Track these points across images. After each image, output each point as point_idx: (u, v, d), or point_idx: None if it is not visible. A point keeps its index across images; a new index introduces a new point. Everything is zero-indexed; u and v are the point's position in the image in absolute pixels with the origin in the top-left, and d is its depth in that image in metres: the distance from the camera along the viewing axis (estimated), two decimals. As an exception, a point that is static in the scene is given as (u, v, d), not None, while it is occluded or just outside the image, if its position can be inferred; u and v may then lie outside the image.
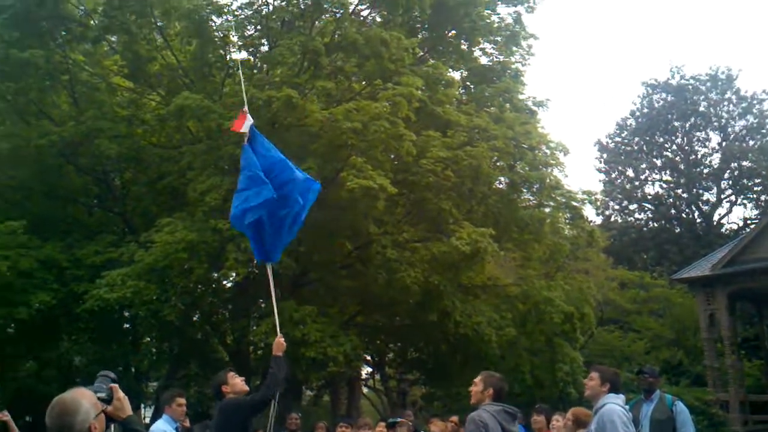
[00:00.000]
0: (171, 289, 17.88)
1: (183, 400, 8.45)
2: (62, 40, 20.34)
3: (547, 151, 22.25)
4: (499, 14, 24.60)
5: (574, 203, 22.27)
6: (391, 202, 18.45)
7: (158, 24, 20.06)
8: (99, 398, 3.32)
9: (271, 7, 20.23)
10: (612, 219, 46.83)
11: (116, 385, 3.60)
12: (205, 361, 23.80)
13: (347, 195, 17.14)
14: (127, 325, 23.04)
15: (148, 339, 24.43)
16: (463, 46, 24.65)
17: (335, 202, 17.72)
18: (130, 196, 21.92)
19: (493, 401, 6.42)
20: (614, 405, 6.77)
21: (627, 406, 7.09)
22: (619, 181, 47.34)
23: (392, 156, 19.53)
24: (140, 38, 19.83)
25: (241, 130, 7.08)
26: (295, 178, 7.13)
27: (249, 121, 7.23)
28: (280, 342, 6.96)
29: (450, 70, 23.79)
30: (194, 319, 21.63)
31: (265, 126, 18.65)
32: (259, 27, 20.47)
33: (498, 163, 21.23)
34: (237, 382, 6.83)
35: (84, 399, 3.16)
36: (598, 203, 28.62)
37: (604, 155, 47.84)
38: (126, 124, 20.50)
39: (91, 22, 20.15)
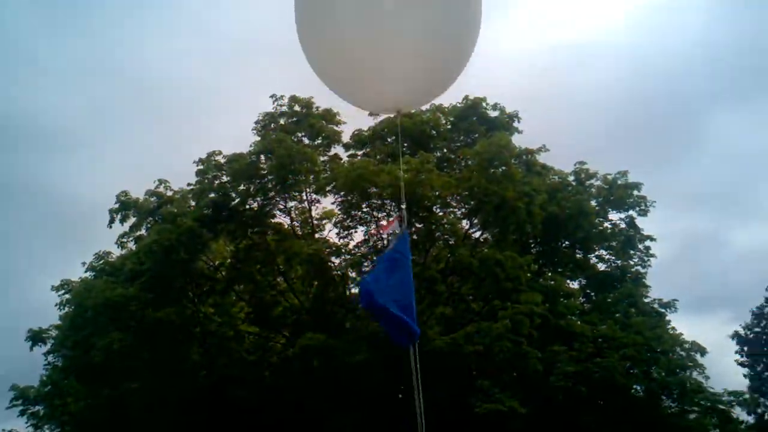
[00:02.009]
0: None
1: None
2: (193, 295, 21.62)
3: (683, 353, 21.24)
4: (611, 221, 24.84)
5: (721, 406, 20.79)
6: (523, 422, 17.72)
7: (281, 269, 21.12)
8: None
9: (385, 241, 21.08)
10: (767, 417, 43.14)
11: None
12: None
13: (476, 421, 16.64)
14: None
15: None
16: (578, 255, 24.70)
17: (465, 428, 17.22)
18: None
19: None
20: None
21: None
22: (766, 374, 44.15)
23: (519, 374, 19.07)
24: (264, 285, 20.90)
25: (387, 232, 6.64)
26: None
27: (397, 227, 6.71)
28: None
29: (568, 280, 23.72)
30: None
31: (389, 357, 18.81)
32: (375, 261, 21.24)
33: (632, 371, 20.37)
34: None
35: None
36: (748, 402, 26.56)
37: (745, 348, 45.13)
38: (254, 369, 21.07)
39: (219, 275, 21.48)
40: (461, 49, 5.55)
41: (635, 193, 24.72)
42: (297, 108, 22.95)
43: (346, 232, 21.43)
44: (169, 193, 22.30)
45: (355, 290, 21.31)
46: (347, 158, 23.40)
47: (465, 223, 22.29)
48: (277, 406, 20.60)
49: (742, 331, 45.77)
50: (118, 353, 19.43)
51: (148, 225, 21.77)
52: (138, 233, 21.90)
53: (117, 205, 21.99)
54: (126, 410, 20.40)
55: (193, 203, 21.92)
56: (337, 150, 23.51)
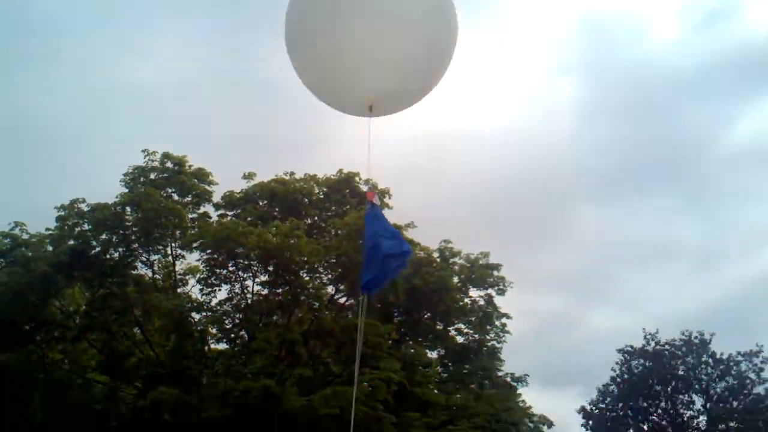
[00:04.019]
0: None
1: None
2: (41, 340, 20.63)
3: (531, 425, 22.04)
4: (471, 297, 25.63)
5: (563, 477, 21.67)
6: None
7: (139, 321, 20.56)
8: None
9: (249, 301, 20.97)
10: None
11: None
12: None
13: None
14: None
15: None
16: (438, 327, 25.29)
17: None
18: None
19: None
20: None
21: None
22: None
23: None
24: (120, 335, 20.27)
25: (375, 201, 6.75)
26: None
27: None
28: None
29: (427, 350, 24.21)
30: None
31: (243, 415, 18.58)
32: (238, 319, 21.02)
33: (482, 441, 20.87)
34: None
35: None
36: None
37: (590, 422, 47.15)
38: (100, 420, 20.15)
39: (72, 323, 20.65)
40: (438, 50, 5.88)
41: (495, 273, 25.69)
42: (169, 164, 22.76)
43: (209, 289, 21.16)
44: (25, 236, 21.46)
45: (214, 346, 21.02)
46: (217, 218, 23.32)
47: (331, 289, 22.51)
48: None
49: (588, 407, 47.93)
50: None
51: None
52: (-13, 274, 20.84)
53: (-34, 244, 20.93)
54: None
55: (50, 248, 21.15)
56: (207, 208, 23.42)
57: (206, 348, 20.82)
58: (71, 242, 20.87)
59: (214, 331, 20.85)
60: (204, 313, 20.76)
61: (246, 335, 21.00)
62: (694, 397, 45.39)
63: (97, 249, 21.02)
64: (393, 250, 6.42)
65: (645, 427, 45.87)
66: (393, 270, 6.55)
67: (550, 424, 22.11)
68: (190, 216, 22.56)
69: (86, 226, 21.24)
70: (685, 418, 45.06)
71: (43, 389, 20.67)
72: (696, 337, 46.14)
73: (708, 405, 44.54)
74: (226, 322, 20.87)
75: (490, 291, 25.80)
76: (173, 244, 22.11)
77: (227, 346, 21.22)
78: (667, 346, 46.51)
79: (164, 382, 18.27)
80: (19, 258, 20.23)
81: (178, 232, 21.69)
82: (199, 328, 20.40)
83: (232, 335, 20.90)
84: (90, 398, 20.96)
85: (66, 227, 21.19)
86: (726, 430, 43.16)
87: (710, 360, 45.45)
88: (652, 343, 46.87)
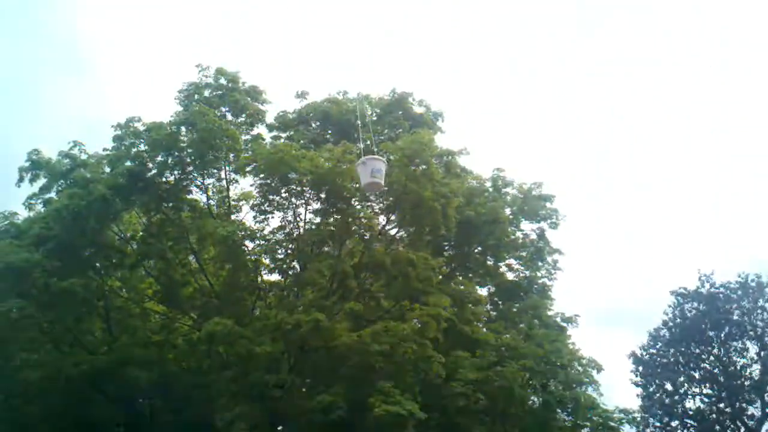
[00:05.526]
0: None
1: None
2: (100, 266, 20.89)
3: (580, 368, 21.78)
4: (523, 231, 25.20)
5: (612, 423, 21.46)
6: (420, 427, 17.81)
7: (193, 248, 20.64)
8: None
9: (301, 230, 20.87)
10: (655, 437, 44.87)
11: None
12: None
13: (373, 422, 16.59)
14: None
15: None
16: (489, 262, 24.98)
17: (363, 428, 17.18)
18: (157, 425, 21.37)
19: None
20: None
21: None
22: (657, 395, 45.75)
23: (421, 377, 19.13)
24: (175, 263, 20.41)
25: None
26: None
27: None
28: None
29: (477, 286, 23.98)
30: None
31: (294, 350, 18.69)
32: (290, 249, 20.97)
33: (530, 382, 20.78)
34: None
35: None
36: (637, 421, 27.39)
37: (640, 368, 46.60)
38: (157, 350, 20.58)
39: (129, 248, 20.84)
40: None
41: (548, 205, 25.10)
42: (222, 81, 22.50)
43: (262, 217, 21.05)
44: (84, 156, 21.56)
45: (267, 276, 21.08)
46: (270, 139, 23.12)
47: (382, 219, 22.30)
48: (175, 391, 20.25)
49: (638, 352, 47.35)
50: (17, 322, 18.63)
51: (59, 188, 20.94)
52: (47, 195, 21.06)
53: (27, 164, 21.11)
54: (21, 383, 19.40)
55: (107, 169, 21.23)
56: (261, 130, 23.25)
57: (259, 278, 20.88)
58: (128, 163, 20.87)
59: (266, 261, 20.90)
60: (257, 242, 20.77)
61: (298, 266, 21.01)
62: (749, 344, 44.46)
63: (153, 171, 21.01)
64: None
65: (696, 375, 45.26)
66: None
67: (600, 369, 21.78)
68: (243, 138, 22.37)
69: (142, 147, 21.18)
70: (738, 367, 44.28)
71: (103, 318, 21.04)
72: (753, 280, 44.96)
73: (762, 353, 43.62)
74: (279, 251, 20.86)
75: (543, 224, 25.28)
76: (227, 168, 22.00)
77: (279, 278, 21.27)
78: (722, 289, 45.48)
79: (218, 313, 18.39)
80: (79, 180, 20.29)
81: (231, 155, 21.54)
82: (253, 258, 20.39)
83: (284, 266, 20.92)
84: (148, 328, 21.30)
85: (123, 147, 21.19)
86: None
87: (766, 305, 44.32)
88: (707, 285, 45.89)
